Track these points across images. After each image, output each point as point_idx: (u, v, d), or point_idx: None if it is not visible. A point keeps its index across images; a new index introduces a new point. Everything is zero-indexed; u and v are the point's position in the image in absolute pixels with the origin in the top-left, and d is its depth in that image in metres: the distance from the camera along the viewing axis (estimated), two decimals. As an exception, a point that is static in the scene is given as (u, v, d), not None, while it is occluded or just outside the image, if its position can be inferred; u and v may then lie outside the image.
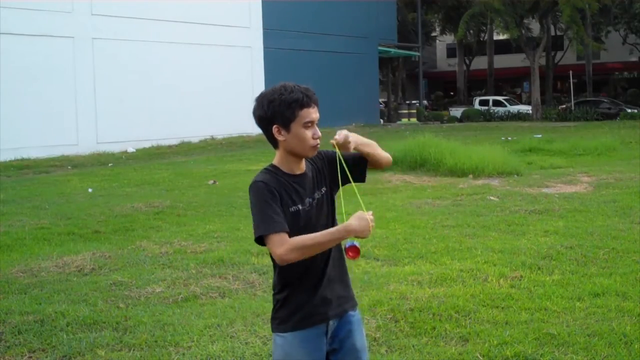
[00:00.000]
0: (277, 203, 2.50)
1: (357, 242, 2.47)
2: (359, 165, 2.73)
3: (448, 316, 4.94)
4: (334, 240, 2.47)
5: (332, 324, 2.66)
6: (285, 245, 2.43)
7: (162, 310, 5.26)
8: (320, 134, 2.57)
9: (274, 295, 2.69)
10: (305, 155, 2.60)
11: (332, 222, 2.67)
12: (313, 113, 2.53)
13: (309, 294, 2.60)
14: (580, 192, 10.90)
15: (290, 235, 2.46)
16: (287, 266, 2.51)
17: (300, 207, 2.58)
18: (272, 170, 2.60)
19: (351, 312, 2.71)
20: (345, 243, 2.48)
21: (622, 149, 18.32)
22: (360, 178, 2.74)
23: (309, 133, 2.54)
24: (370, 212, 2.46)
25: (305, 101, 2.51)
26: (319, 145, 2.60)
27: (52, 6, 21.98)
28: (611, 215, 8.74)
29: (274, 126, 2.53)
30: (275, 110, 2.50)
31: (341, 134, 2.59)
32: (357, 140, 2.65)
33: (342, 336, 2.67)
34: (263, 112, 2.53)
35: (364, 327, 2.79)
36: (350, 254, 2.48)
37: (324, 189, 2.65)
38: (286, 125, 2.52)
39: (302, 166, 2.64)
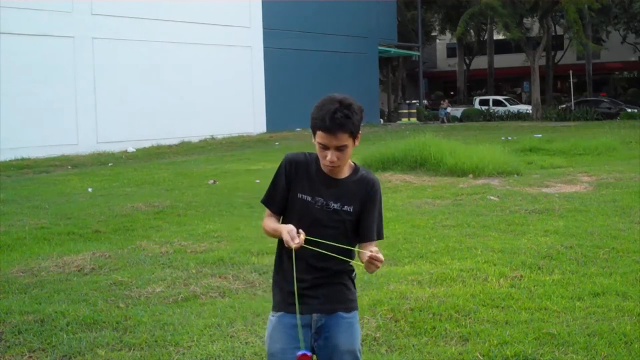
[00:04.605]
0: (284, 183, 2.70)
1: (309, 352, 2.56)
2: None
3: (448, 316, 4.94)
4: (277, 234, 2.65)
5: (316, 318, 2.68)
6: (264, 220, 2.76)
7: (162, 310, 5.26)
8: (335, 159, 2.59)
9: None
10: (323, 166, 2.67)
11: (346, 240, 2.68)
12: (327, 139, 2.56)
13: (292, 281, 2.64)
14: (580, 192, 10.90)
15: (295, 220, 2.59)
16: (280, 249, 2.70)
17: (309, 198, 2.65)
18: (314, 157, 2.70)
19: (343, 313, 2.71)
20: (298, 352, 2.56)
21: (622, 148, 18.30)
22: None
23: (322, 153, 2.62)
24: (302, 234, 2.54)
25: (320, 125, 2.57)
26: (333, 169, 2.64)
27: (52, 6, 21.99)
28: (611, 215, 8.74)
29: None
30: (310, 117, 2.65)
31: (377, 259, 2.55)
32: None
33: (326, 334, 2.69)
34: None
35: (357, 332, 2.78)
36: None
37: (346, 208, 2.67)
38: (313, 134, 2.63)
39: (340, 174, 2.68)
